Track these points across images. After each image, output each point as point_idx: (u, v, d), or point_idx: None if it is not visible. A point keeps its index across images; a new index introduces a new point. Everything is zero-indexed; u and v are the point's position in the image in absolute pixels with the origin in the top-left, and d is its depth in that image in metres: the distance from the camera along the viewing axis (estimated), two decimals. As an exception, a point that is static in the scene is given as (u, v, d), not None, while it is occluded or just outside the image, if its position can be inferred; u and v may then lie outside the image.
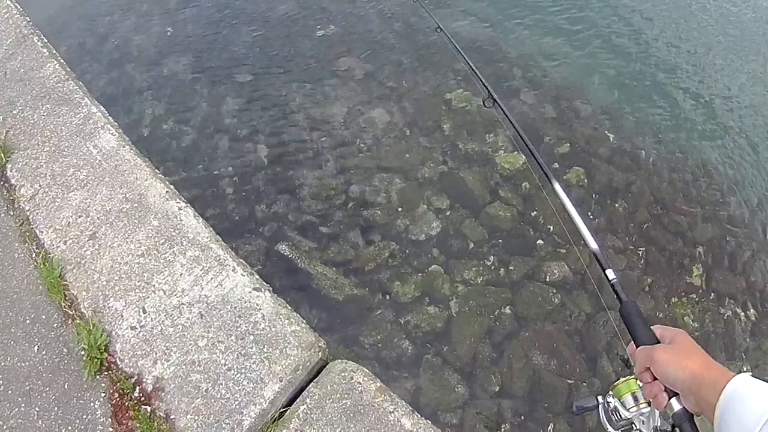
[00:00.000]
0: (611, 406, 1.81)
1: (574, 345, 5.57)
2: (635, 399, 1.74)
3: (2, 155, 5.12)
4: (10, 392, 3.88)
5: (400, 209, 6.34)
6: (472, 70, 3.55)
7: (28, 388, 3.88)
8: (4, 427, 3.74)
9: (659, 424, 1.67)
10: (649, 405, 1.70)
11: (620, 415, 1.77)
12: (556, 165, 6.92)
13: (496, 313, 5.69)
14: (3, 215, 4.87)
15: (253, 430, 3.47)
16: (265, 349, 3.71)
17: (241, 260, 4.27)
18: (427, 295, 5.75)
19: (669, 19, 9.41)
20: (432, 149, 6.94)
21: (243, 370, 3.64)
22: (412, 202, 6.40)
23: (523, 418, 5.16)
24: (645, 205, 6.82)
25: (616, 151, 7.34)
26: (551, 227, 6.28)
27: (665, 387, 1.51)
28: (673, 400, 1.50)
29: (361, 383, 3.62)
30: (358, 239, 6.07)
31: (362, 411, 3.51)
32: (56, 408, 3.78)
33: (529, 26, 8.85)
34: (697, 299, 6.17)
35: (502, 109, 2.99)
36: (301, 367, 3.64)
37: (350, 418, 3.49)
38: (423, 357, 5.39)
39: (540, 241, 6.20)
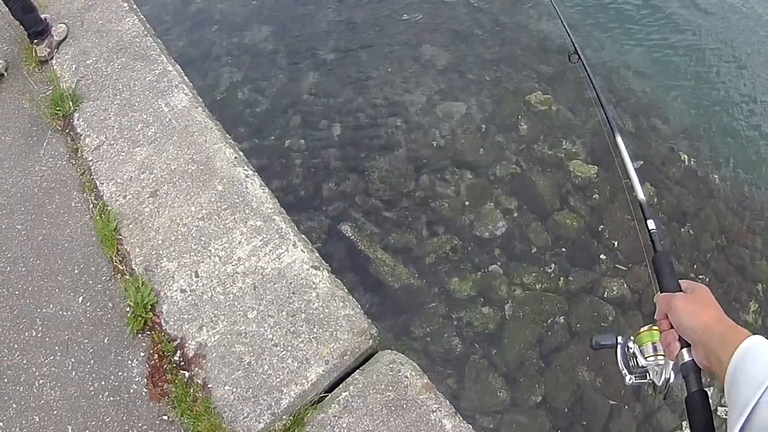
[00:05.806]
0: (630, 351, 1.82)
1: (623, 366, 5.41)
2: (654, 349, 1.75)
3: (71, 103, 5.16)
4: (47, 339, 3.90)
5: (467, 204, 6.20)
6: (562, 23, 3.63)
7: (66, 337, 3.90)
8: (36, 373, 3.76)
9: (671, 377, 1.68)
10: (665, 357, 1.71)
11: (637, 362, 1.79)
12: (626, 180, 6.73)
13: (549, 322, 5.57)
14: (65, 163, 4.90)
15: (291, 410, 3.42)
16: (315, 329, 3.66)
17: (303, 236, 4.23)
18: (483, 294, 5.63)
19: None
20: (506, 148, 6.79)
21: (289, 348, 3.60)
22: (480, 198, 6.27)
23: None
24: (710, 233, 6.62)
25: (689, 175, 7.14)
26: (615, 243, 6.12)
27: (679, 336, 1.52)
28: (684, 350, 1.50)
29: (408, 377, 3.55)
30: (421, 229, 5.98)
31: (405, 406, 3.44)
32: (92, 361, 3.78)
33: (616, 37, 8.63)
34: (749, 337, 5.97)
35: (585, 68, 2.97)
36: (349, 353, 3.59)
37: (391, 411, 3.42)
38: (470, 356, 5.30)
39: (603, 256, 6.05)
